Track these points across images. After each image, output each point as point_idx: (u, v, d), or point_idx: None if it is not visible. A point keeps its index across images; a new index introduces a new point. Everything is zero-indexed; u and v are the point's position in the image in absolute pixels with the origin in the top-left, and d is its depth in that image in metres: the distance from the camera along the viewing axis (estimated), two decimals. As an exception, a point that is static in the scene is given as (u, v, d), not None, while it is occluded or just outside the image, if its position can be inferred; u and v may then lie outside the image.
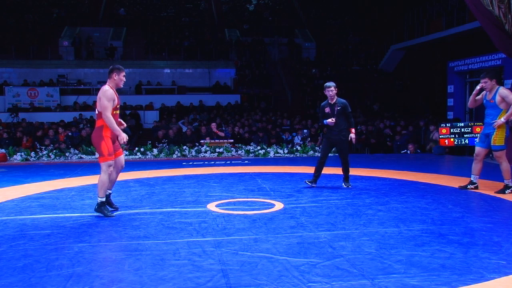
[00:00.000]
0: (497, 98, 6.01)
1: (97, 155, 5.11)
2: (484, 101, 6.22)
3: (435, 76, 19.01)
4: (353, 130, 6.55)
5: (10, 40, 21.14)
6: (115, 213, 5.17)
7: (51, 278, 3.17)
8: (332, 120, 6.40)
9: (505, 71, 11.76)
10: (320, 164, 6.66)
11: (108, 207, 5.18)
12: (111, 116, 4.89)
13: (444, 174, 8.23)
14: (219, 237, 4.15)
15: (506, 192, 5.99)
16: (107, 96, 4.90)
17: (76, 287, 3.02)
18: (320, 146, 12.11)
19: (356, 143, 12.09)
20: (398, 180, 7.36)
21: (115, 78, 5.06)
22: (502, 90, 6.02)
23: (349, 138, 6.53)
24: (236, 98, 19.01)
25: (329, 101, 6.50)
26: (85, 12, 25.36)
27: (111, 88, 5.00)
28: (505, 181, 6.06)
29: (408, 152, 12.15)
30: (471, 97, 6.41)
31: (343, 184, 6.72)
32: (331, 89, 6.44)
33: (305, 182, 6.76)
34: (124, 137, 4.95)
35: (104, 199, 5.06)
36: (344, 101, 6.49)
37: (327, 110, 6.49)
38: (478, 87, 6.31)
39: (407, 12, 21.00)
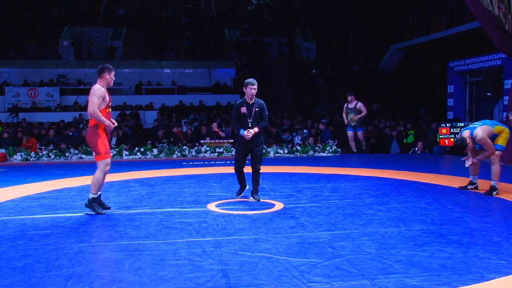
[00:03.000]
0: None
1: (94, 154, 5.15)
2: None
3: (435, 76, 19.01)
4: (257, 128, 5.72)
5: (10, 40, 21.14)
6: (105, 211, 5.20)
7: (51, 278, 3.17)
8: (248, 133, 5.62)
9: (505, 71, 11.77)
10: (240, 174, 5.91)
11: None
12: (97, 110, 4.96)
13: (444, 174, 8.23)
14: (219, 237, 4.15)
15: (494, 193, 5.99)
16: (97, 95, 4.98)
17: (76, 287, 3.02)
18: (320, 145, 12.18)
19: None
20: (398, 180, 7.36)
21: (107, 77, 5.12)
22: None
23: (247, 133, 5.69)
24: (236, 98, 18.94)
25: (247, 101, 5.75)
26: (85, 12, 25.35)
27: (102, 87, 5.07)
28: (492, 182, 6.05)
29: (417, 150, 12.13)
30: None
31: (251, 198, 5.86)
32: (255, 87, 5.71)
33: (236, 194, 6.01)
34: (110, 124, 5.06)
35: (96, 196, 5.14)
36: (262, 102, 5.84)
37: (243, 110, 5.71)
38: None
39: (407, 12, 21.01)
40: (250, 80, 5.79)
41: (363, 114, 10.95)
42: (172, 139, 12.32)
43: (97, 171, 5.11)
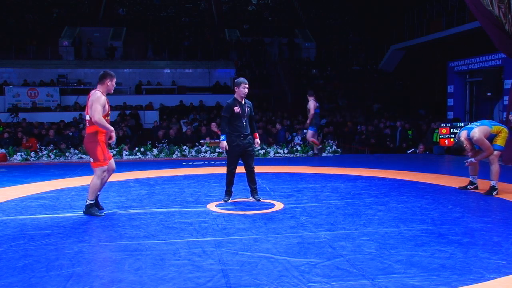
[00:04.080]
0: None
1: (91, 160, 5.13)
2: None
3: (435, 76, 19.01)
4: (257, 135, 5.89)
5: (10, 40, 21.14)
6: (103, 212, 5.19)
7: (51, 278, 3.17)
8: (226, 147, 5.57)
9: (505, 71, 11.76)
10: (233, 176, 5.77)
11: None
12: (102, 118, 4.95)
13: (444, 174, 8.23)
14: (219, 237, 4.16)
15: (493, 193, 5.98)
16: (100, 102, 4.96)
17: (76, 287, 3.02)
18: (320, 146, 12.16)
19: (359, 144, 11.98)
20: (398, 180, 7.36)
21: (108, 84, 5.12)
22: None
23: (255, 142, 5.83)
24: (236, 98, 19.02)
25: (239, 100, 5.64)
26: (85, 12, 25.36)
27: (102, 94, 5.06)
28: (492, 182, 6.04)
29: (417, 151, 12.17)
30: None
31: (251, 198, 5.85)
32: (247, 85, 5.65)
33: (223, 201, 5.78)
34: (114, 136, 5.14)
35: (93, 202, 5.13)
36: (250, 102, 5.82)
37: (237, 109, 5.58)
38: None
39: (407, 12, 21.01)
40: (242, 79, 5.71)
41: (310, 114, 10.71)
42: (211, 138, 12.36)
43: (94, 178, 5.09)
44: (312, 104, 10.71)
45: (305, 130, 13.50)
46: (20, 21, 23.16)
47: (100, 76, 5.14)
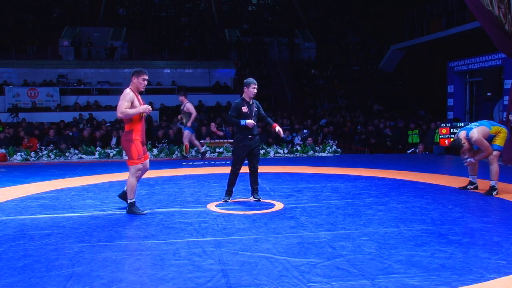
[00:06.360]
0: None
1: (126, 158, 5.17)
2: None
3: (435, 76, 19.01)
4: (276, 124, 5.81)
5: (10, 40, 21.15)
6: (146, 212, 5.21)
7: (51, 278, 3.17)
8: (253, 121, 5.60)
9: (505, 71, 11.76)
10: (235, 177, 5.76)
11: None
12: (124, 111, 4.89)
13: (444, 174, 8.23)
14: (219, 237, 4.16)
15: (493, 193, 5.98)
16: (126, 99, 4.95)
17: (76, 287, 3.02)
18: (320, 146, 12.16)
19: (360, 143, 11.96)
20: (398, 180, 7.36)
21: (134, 81, 5.08)
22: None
23: (277, 131, 5.74)
24: (236, 98, 18.96)
25: (248, 100, 5.69)
26: (85, 12, 25.36)
27: (132, 91, 5.04)
28: (492, 182, 6.05)
29: (417, 151, 12.18)
30: None
31: (251, 197, 5.84)
32: (256, 86, 5.68)
33: (223, 200, 5.77)
34: (147, 107, 5.01)
35: (134, 200, 5.17)
36: (257, 102, 5.87)
37: (244, 109, 5.61)
38: None
39: (407, 12, 21.02)
40: (252, 80, 5.71)
41: (193, 115, 10.22)
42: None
43: (129, 177, 5.14)
44: (191, 106, 10.27)
45: (305, 130, 13.49)
46: (20, 21, 23.16)
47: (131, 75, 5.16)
